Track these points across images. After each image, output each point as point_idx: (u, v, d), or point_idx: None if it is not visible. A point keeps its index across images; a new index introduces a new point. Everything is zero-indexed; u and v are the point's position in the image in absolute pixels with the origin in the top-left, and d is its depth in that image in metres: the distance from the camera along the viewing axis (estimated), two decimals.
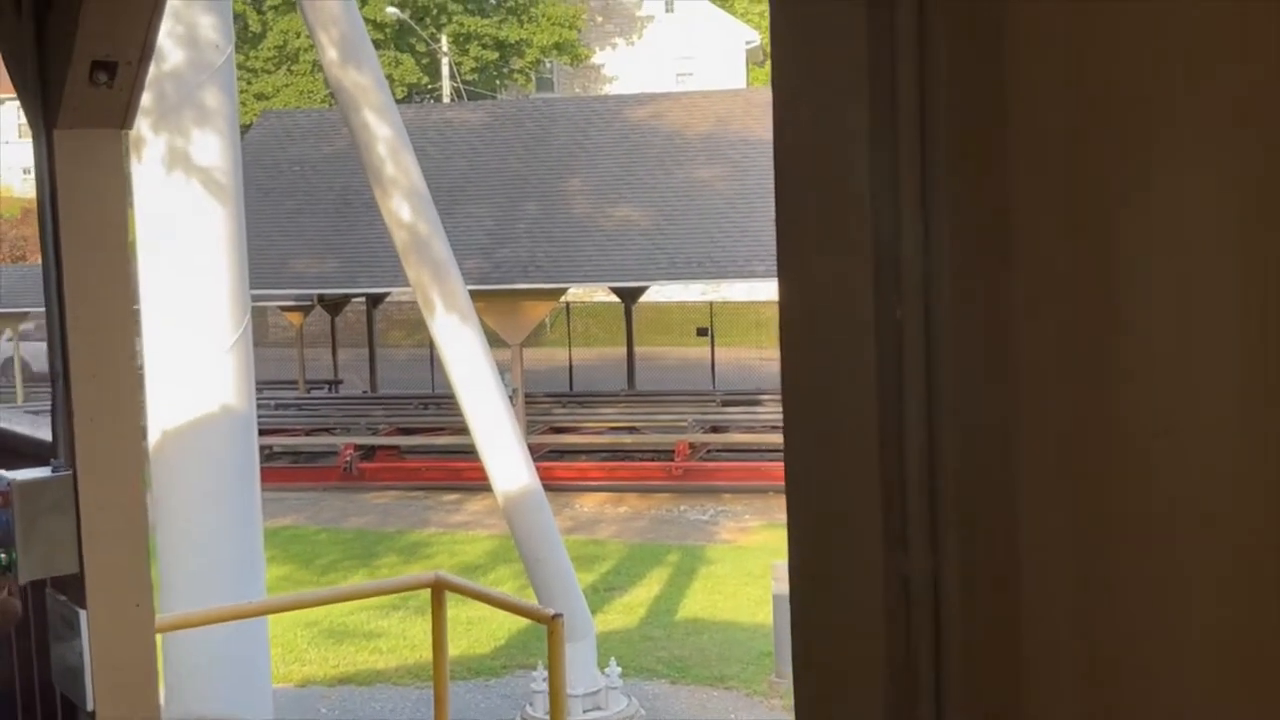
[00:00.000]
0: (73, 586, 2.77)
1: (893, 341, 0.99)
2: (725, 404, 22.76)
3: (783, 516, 1.08)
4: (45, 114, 2.57)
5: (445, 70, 41.27)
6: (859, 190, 0.99)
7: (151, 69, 7.30)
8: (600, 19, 48.35)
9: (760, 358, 22.46)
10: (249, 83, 39.72)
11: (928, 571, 0.98)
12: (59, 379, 2.70)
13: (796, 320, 1.08)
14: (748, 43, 48.27)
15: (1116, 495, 0.91)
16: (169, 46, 7.35)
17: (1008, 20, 0.93)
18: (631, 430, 21.97)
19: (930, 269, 0.97)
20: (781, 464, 1.08)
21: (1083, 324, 0.91)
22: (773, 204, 1.06)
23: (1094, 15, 0.89)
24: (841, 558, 1.05)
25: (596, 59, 48.15)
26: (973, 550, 0.97)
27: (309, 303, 26.70)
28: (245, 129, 27.89)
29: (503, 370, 14.20)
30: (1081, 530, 0.93)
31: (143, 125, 7.42)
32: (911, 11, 0.98)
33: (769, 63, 1.08)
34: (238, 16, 38.01)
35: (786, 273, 1.07)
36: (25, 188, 43.03)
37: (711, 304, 30.08)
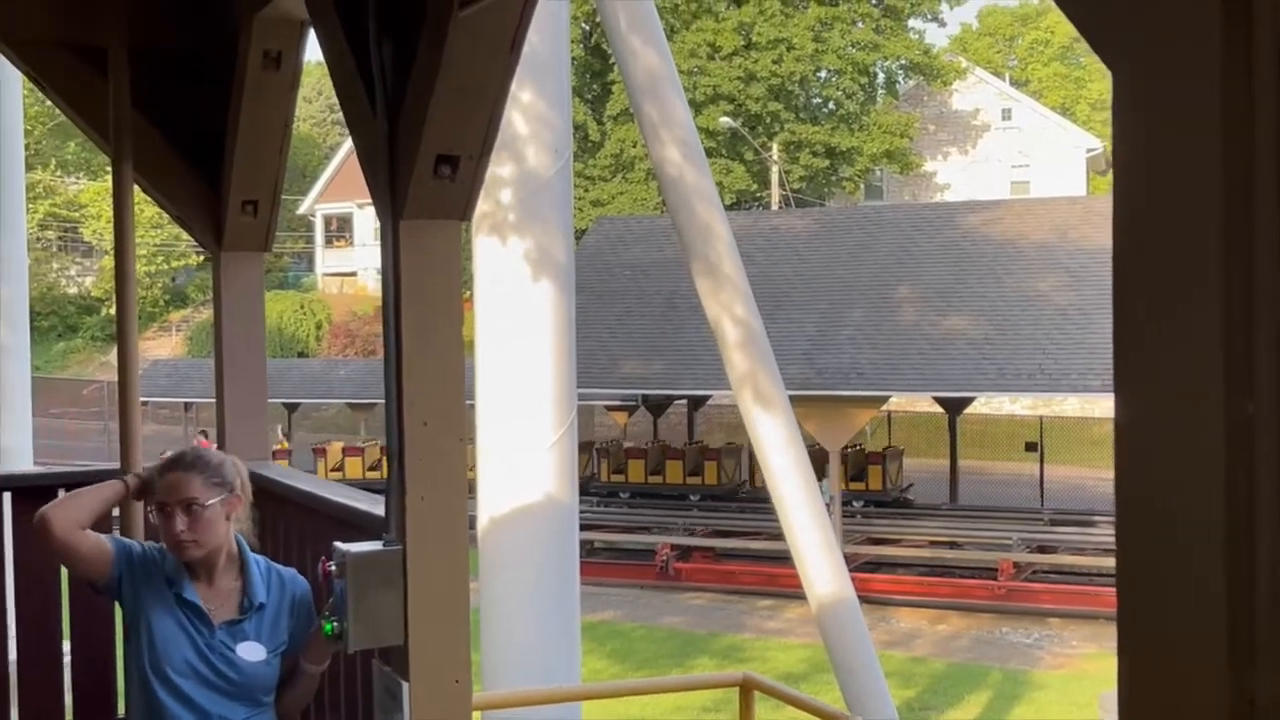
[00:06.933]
0: (397, 658, 2.90)
1: (1243, 439, 0.92)
2: (1054, 523, 21.89)
3: (1114, 644, 1.00)
4: (393, 206, 2.79)
5: (775, 178, 41.93)
6: (1208, 269, 0.92)
7: (497, 170, 7.67)
8: (933, 127, 48.13)
9: (1094, 477, 21.48)
10: (586, 190, 41.45)
11: (1278, 693, 0.90)
12: (395, 458, 2.86)
13: (1135, 417, 1.01)
14: (1089, 150, 47.02)
15: None
16: (515, 148, 7.73)
17: None
18: (953, 545, 21.39)
19: None
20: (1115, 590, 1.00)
21: None
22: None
23: None
24: (1180, 676, 0.97)
25: (928, 167, 47.87)
26: None
27: (634, 403, 27.37)
28: (581, 234, 29.06)
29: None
30: None
31: (484, 225, 7.82)
32: (1271, 107, 0.92)
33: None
34: (578, 126, 39.86)
35: (1124, 366, 1.00)
36: (379, 288, 46.04)
37: (1042, 419, 29.08)
